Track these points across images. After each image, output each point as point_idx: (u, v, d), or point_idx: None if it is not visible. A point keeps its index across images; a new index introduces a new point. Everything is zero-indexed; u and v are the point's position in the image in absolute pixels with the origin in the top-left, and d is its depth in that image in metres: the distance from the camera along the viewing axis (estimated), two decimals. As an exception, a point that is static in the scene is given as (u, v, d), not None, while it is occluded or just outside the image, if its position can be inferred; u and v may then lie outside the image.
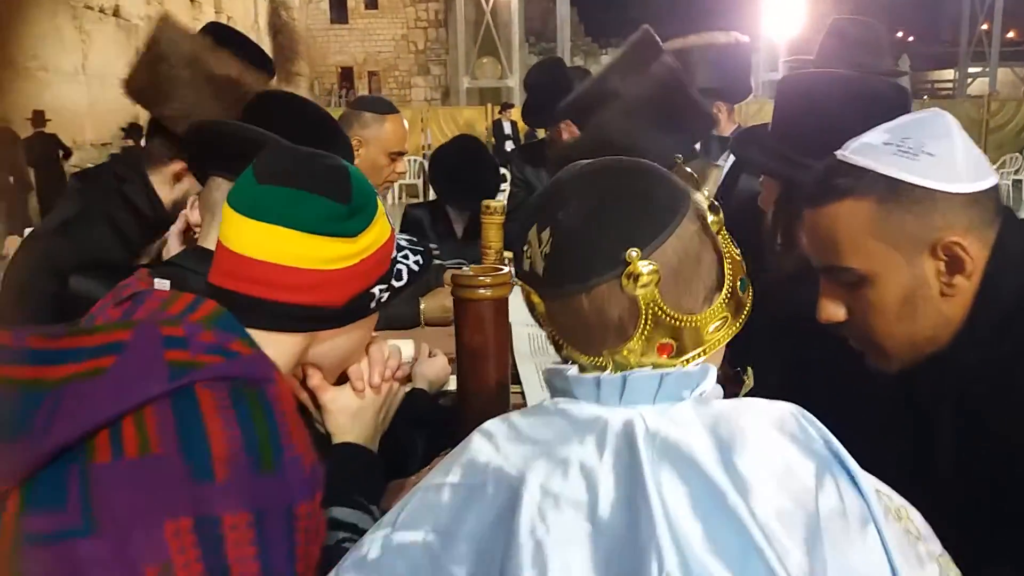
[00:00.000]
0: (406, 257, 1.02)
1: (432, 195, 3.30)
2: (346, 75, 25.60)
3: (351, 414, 1.05)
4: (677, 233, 0.76)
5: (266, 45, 19.33)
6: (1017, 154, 14.95)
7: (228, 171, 1.32)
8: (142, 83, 1.65)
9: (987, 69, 23.39)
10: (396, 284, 1.00)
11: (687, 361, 0.77)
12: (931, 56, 29.28)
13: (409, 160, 13.36)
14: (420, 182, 12.92)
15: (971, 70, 24.82)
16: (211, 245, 1.33)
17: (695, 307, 0.78)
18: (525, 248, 0.80)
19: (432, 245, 3.15)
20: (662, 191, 0.79)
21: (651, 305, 0.74)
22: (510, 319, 1.39)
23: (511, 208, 3.32)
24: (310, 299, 0.91)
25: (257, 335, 0.89)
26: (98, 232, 1.58)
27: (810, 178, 1.10)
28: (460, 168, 3.11)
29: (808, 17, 18.57)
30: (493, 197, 3.30)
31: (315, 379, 1.02)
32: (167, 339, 0.80)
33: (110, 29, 12.30)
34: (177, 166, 1.67)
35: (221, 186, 1.32)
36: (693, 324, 0.77)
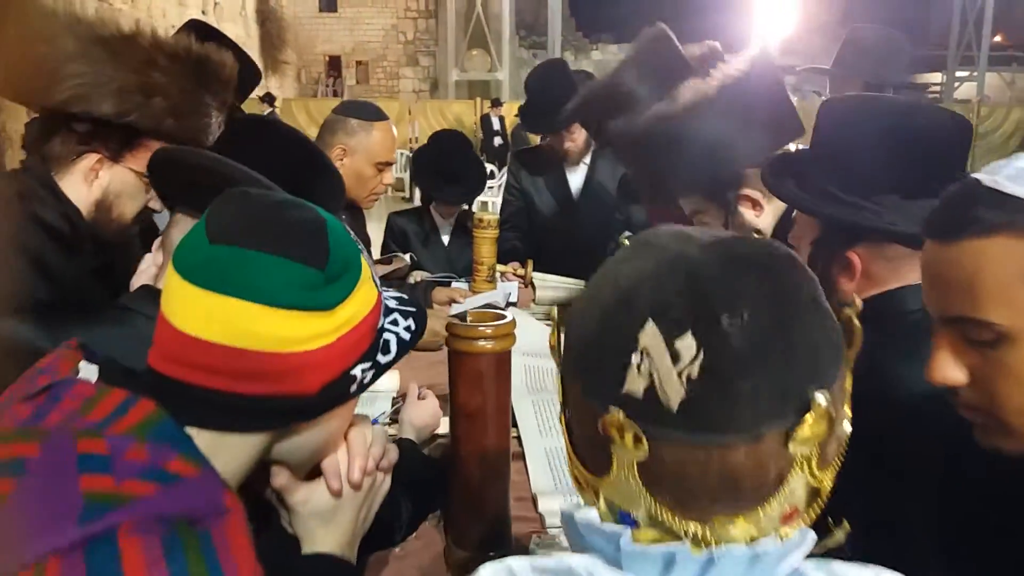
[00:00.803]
0: (395, 323, 0.84)
1: (418, 193, 3.14)
2: (334, 64, 25.25)
3: (325, 517, 0.86)
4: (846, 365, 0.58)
5: (254, 33, 19.03)
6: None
7: (190, 206, 1.13)
8: (23, 77, 1.35)
9: (975, 73, 23.40)
10: (383, 359, 0.82)
11: (788, 532, 0.59)
12: (919, 59, 29.26)
13: (397, 154, 13.10)
14: (407, 175, 12.68)
15: (958, 74, 24.82)
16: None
17: (832, 460, 0.60)
18: (639, 361, 0.54)
19: (413, 256, 3.00)
20: (825, 299, 0.59)
21: (806, 463, 0.56)
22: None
23: (505, 217, 3.16)
24: (275, 389, 0.73)
25: (207, 437, 0.71)
26: (9, 269, 1.36)
27: (941, 204, 0.87)
28: (444, 160, 2.97)
29: (800, 17, 18.48)
30: (480, 192, 3.15)
31: (281, 478, 0.84)
32: (84, 459, 0.62)
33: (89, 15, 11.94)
34: (88, 160, 1.39)
35: (180, 223, 1.14)
36: (823, 481, 0.59)
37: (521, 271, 2.89)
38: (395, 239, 3.13)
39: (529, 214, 3.14)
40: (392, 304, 0.85)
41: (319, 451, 0.84)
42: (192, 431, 0.70)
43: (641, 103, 2.13)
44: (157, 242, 1.18)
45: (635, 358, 0.55)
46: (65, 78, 1.32)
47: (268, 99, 11.94)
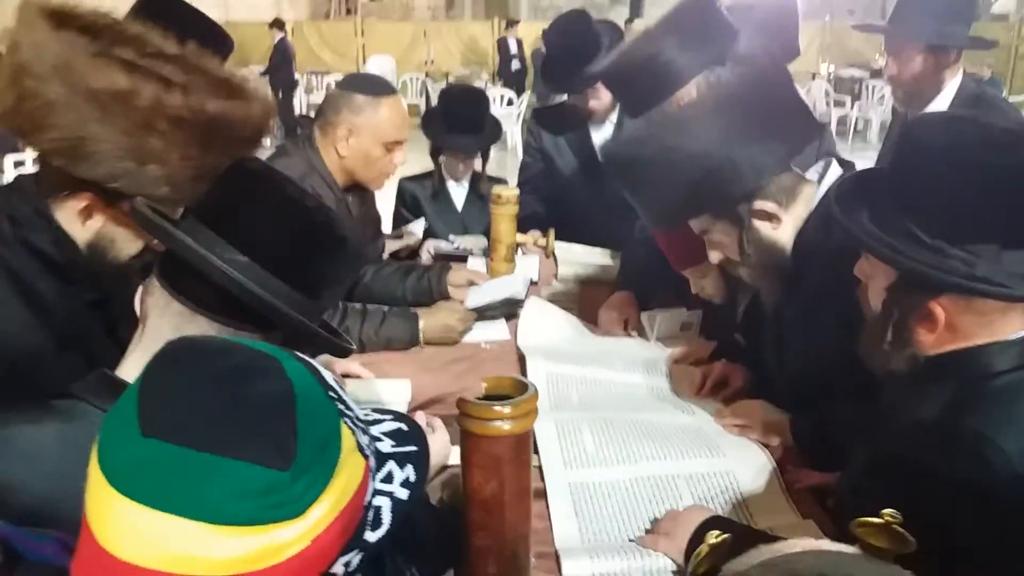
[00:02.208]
0: (389, 479, 0.67)
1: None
2: (347, -21, 24.40)
3: None
4: None
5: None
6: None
7: (169, 283, 0.97)
8: (7, 106, 1.17)
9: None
10: (371, 537, 0.65)
11: None
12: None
13: (412, 79, 12.70)
14: (423, 101, 12.27)
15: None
16: (129, 373, 0.98)
17: None
18: None
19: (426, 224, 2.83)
20: None
21: None
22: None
23: (524, 180, 2.96)
24: None
25: None
26: (4, 307, 1.21)
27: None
28: (456, 113, 2.81)
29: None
30: (493, 142, 2.94)
31: None
32: None
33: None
34: (83, 200, 1.23)
35: (155, 293, 0.97)
36: None
37: (542, 241, 2.70)
38: (406, 205, 2.96)
39: (550, 176, 2.92)
40: (387, 448, 0.69)
41: None
42: None
43: (682, 74, 1.90)
44: (137, 300, 1.01)
45: None
46: (47, 128, 1.14)
47: (278, 24, 11.49)
